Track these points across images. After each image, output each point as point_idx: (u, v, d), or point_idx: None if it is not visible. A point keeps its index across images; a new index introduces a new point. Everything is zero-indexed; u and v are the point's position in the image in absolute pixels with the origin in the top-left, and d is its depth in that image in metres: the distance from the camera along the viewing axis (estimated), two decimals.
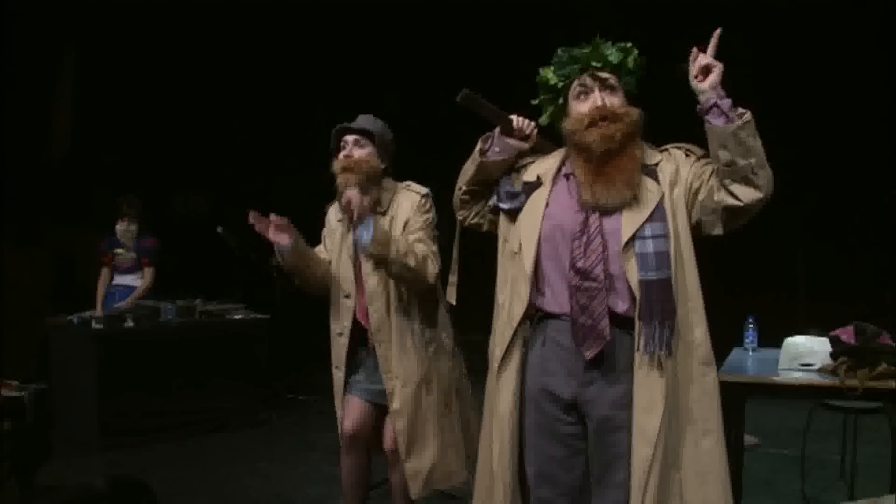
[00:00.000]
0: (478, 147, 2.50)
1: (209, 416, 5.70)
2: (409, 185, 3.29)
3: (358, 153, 3.19)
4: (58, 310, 6.01)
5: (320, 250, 3.43)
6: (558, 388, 2.32)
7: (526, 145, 2.49)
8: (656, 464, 2.19)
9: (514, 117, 2.47)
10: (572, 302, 2.26)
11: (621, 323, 2.26)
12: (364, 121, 3.25)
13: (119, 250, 5.98)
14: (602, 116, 2.28)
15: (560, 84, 2.40)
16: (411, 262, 3.01)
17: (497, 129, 2.47)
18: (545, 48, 2.49)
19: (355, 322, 3.26)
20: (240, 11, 7.05)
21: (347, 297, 3.26)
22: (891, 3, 5.79)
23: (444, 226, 3.11)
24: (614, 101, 2.34)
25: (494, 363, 2.41)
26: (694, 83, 2.25)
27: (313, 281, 3.35)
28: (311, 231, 3.45)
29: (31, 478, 3.71)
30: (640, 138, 2.34)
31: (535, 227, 2.36)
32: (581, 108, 2.35)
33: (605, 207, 2.27)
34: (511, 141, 2.47)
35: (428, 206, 3.23)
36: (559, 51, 2.41)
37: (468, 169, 2.53)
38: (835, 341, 3.34)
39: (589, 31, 2.41)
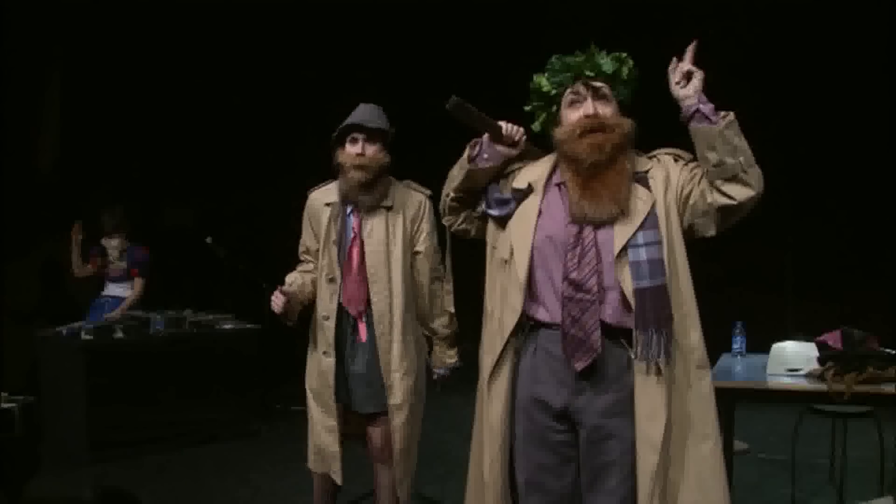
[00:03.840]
0: (465, 153, 2.47)
1: (199, 428, 5.68)
2: (409, 184, 3.35)
3: (370, 151, 3.20)
4: (47, 321, 5.99)
5: (306, 250, 3.42)
6: (549, 396, 2.31)
7: (515, 152, 2.47)
8: (661, 470, 2.19)
9: (502, 124, 2.45)
10: (564, 313, 2.26)
11: (612, 333, 2.26)
12: (372, 115, 3.25)
13: (112, 252, 6.00)
14: (593, 128, 2.28)
15: (553, 91, 2.39)
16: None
17: (485, 136, 2.45)
18: (537, 55, 2.49)
19: (340, 307, 3.24)
20: (229, 24, 7.04)
21: (332, 280, 3.24)
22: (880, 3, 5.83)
23: (437, 233, 3.14)
24: (606, 110, 2.33)
25: (485, 372, 2.40)
26: (676, 90, 2.28)
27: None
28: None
29: (19, 491, 3.68)
30: (631, 149, 2.34)
31: (528, 236, 2.34)
32: (573, 116, 2.34)
33: (594, 220, 2.27)
34: (500, 148, 2.45)
35: (432, 209, 3.28)
36: (553, 58, 2.40)
37: (456, 175, 2.50)
38: (822, 346, 3.37)
39: (584, 39, 2.40)
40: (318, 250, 3.32)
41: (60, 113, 6.94)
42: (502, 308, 2.37)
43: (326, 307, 3.25)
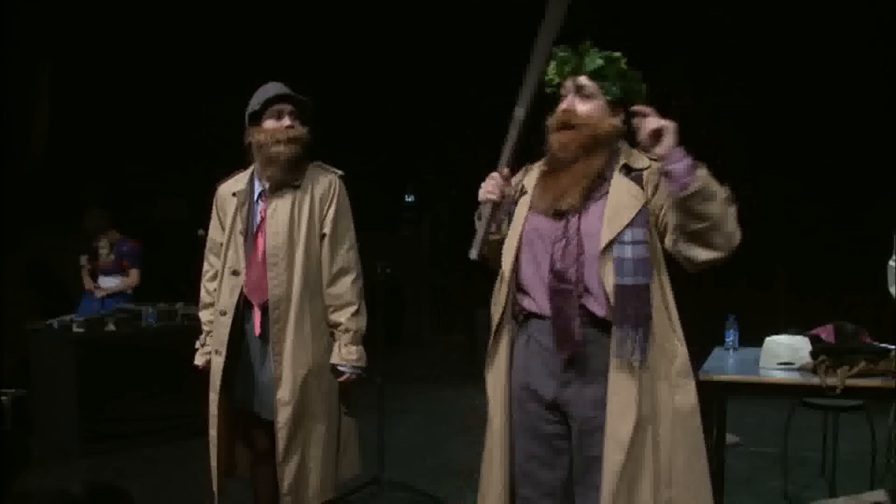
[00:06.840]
0: (482, 233, 2.31)
1: (190, 421, 5.64)
2: (320, 164, 3.16)
3: (297, 125, 3.04)
4: (38, 314, 5.96)
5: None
6: (540, 387, 2.32)
7: (504, 190, 2.36)
8: (627, 469, 2.18)
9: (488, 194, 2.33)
10: (551, 304, 2.27)
11: (600, 325, 2.26)
12: (285, 89, 3.08)
13: (102, 251, 6.01)
14: (564, 123, 2.30)
15: (556, 80, 2.40)
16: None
17: (489, 210, 2.33)
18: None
19: (241, 301, 3.04)
20: (220, 14, 7.02)
21: (235, 273, 3.05)
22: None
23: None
24: (584, 108, 2.32)
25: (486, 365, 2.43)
26: (645, 145, 2.16)
27: None
28: None
29: (9, 484, 3.67)
30: (612, 146, 2.31)
31: (517, 231, 2.37)
32: (557, 109, 2.36)
33: (560, 212, 2.28)
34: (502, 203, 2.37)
35: (344, 191, 3.11)
36: (553, 49, 2.39)
37: (480, 241, 2.32)
38: (814, 340, 3.37)
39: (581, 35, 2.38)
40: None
41: (51, 104, 6.90)
42: (493, 302, 2.40)
43: (225, 302, 3.05)
